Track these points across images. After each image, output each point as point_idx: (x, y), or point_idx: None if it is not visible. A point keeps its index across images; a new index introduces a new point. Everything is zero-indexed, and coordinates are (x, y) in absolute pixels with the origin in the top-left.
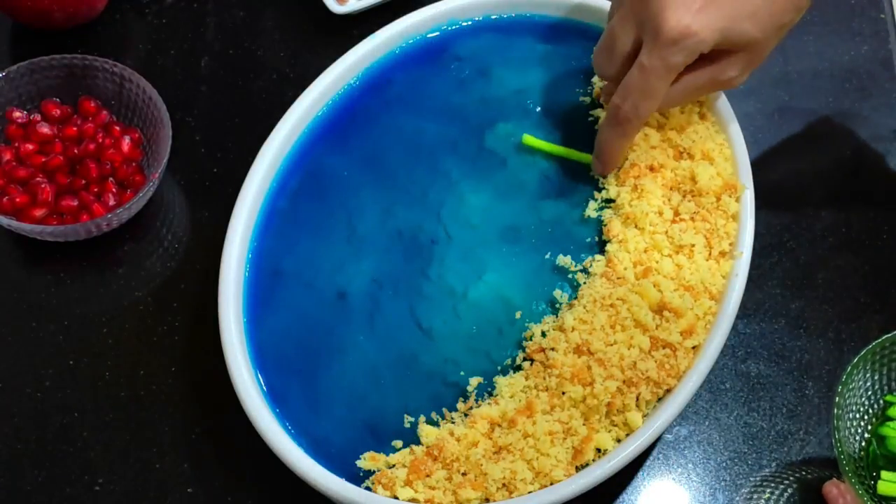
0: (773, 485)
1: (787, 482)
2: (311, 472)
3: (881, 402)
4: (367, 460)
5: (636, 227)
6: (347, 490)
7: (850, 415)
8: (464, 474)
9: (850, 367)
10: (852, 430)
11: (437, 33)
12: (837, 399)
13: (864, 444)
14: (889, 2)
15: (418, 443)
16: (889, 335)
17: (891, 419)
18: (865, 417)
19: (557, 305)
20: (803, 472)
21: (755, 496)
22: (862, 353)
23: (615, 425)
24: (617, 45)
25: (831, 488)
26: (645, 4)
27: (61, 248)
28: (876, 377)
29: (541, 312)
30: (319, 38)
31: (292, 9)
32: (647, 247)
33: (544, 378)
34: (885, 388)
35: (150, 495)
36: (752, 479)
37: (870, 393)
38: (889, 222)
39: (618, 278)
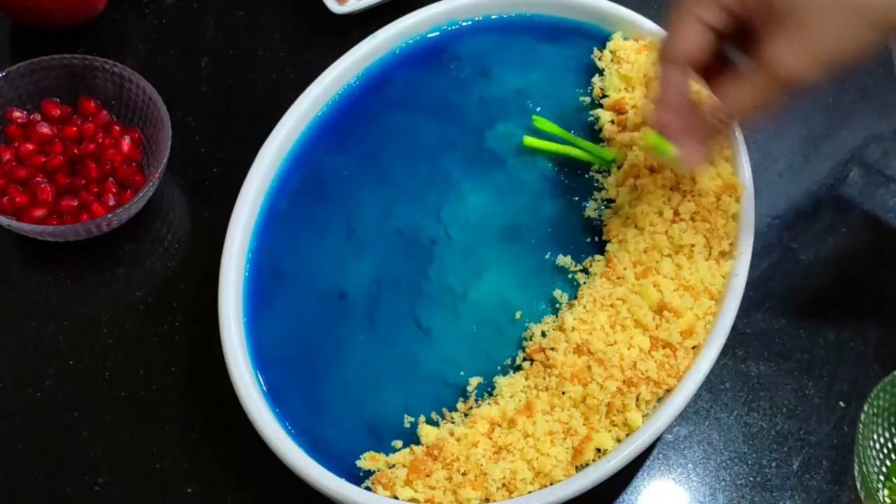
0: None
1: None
2: (311, 472)
3: None
4: (367, 460)
5: (636, 227)
6: (347, 490)
7: (871, 442)
8: (464, 474)
9: (875, 391)
10: (872, 458)
11: (437, 33)
12: (860, 427)
13: (884, 470)
14: None
15: (418, 443)
16: None
17: None
18: (886, 449)
19: (557, 305)
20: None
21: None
22: (890, 375)
23: (615, 425)
24: None
25: None
26: None
27: (61, 248)
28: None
29: (541, 312)
30: (319, 38)
31: (292, 9)
32: (647, 247)
33: (544, 378)
34: None
35: (150, 495)
36: (750, 480)
37: (892, 421)
38: (888, 222)
39: (618, 278)
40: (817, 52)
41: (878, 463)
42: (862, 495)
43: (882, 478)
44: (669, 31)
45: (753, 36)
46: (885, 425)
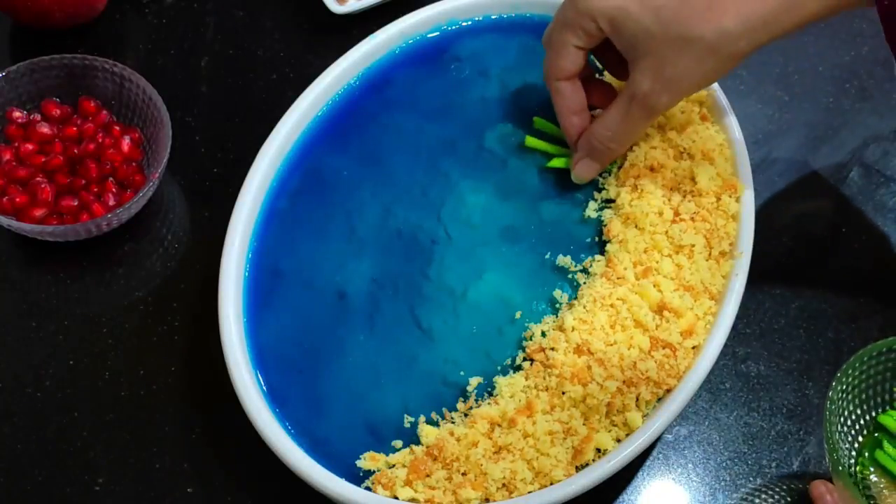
0: (770, 490)
1: (784, 487)
2: (311, 472)
3: (873, 414)
4: (367, 460)
5: (636, 227)
6: (347, 490)
7: (842, 418)
8: (464, 474)
9: (843, 368)
10: (843, 433)
11: (437, 33)
12: (829, 403)
13: (856, 446)
14: None
15: (418, 443)
16: (885, 340)
17: (882, 444)
18: (858, 425)
19: (557, 305)
20: (800, 477)
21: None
22: (857, 353)
23: (615, 425)
24: None
25: (819, 486)
26: None
27: (61, 248)
28: (870, 382)
29: (541, 312)
30: (319, 38)
31: (292, 9)
32: (647, 247)
33: (544, 378)
34: (879, 398)
35: (150, 495)
36: (750, 481)
37: (863, 398)
38: (889, 222)
39: (618, 278)
40: (673, 82)
41: (849, 439)
42: (829, 467)
43: (854, 453)
44: (548, 53)
45: (625, 65)
46: (856, 402)
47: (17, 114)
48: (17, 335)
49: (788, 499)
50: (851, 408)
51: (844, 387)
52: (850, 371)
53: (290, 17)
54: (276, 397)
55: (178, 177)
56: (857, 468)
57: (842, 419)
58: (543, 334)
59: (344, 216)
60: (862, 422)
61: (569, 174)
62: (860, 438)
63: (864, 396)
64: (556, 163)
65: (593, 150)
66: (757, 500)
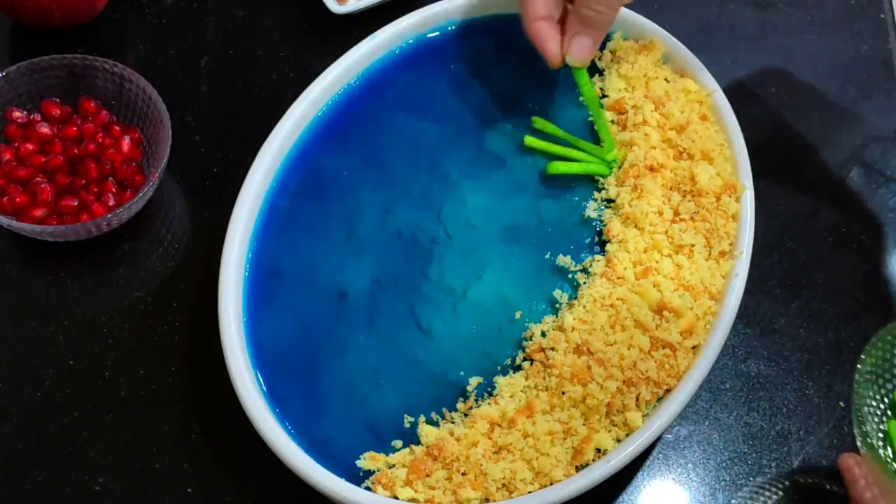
0: (772, 488)
1: (785, 486)
2: (311, 472)
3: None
4: (367, 460)
5: (636, 227)
6: (347, 490)
7: (871, 392)
8: (464, 474)
9: (872, 340)
10: (872, 407)
11: (437, 33)
12: (857, 375)
13: (885, 419)
14: (889, 2)
15: (418, 443)
16: None
17: None
18: (886, 399)
19: (557, 305)
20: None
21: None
22: (887, 326)
23: (615, 425)
24: None
25: (847, 459)
26: None
27: (61, 248)
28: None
29: (541, 312)
30: (319, 38)
31: (292, 9)
32: (647, 247)
33: (544, 378)
34: None
35: (150, 495)
36: (750, 480)
37: (893, 372)
38: (889, 222)
39: (618, 278)
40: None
41: (875, 421)
42: (858, 440)
43: (881, 434)
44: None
45: None
46: (875, 388)
47: (17, 114)
48: (17, 335)
49: (795, 496)
50: (871, 393)
51: (873, 360)
52: (879, 344)
53: (290, 17)
54: (276, 397)
55: (178, 177)
56: (890, 452)
57: (870, 392)
58: (543, 334)
59: (344, 216)
60: (882, 406)
61: (568, 177)
62: (885, 419)
63: (881, 381)
64: (555, 168)
65: (583, 19)
66: (761, 499)
